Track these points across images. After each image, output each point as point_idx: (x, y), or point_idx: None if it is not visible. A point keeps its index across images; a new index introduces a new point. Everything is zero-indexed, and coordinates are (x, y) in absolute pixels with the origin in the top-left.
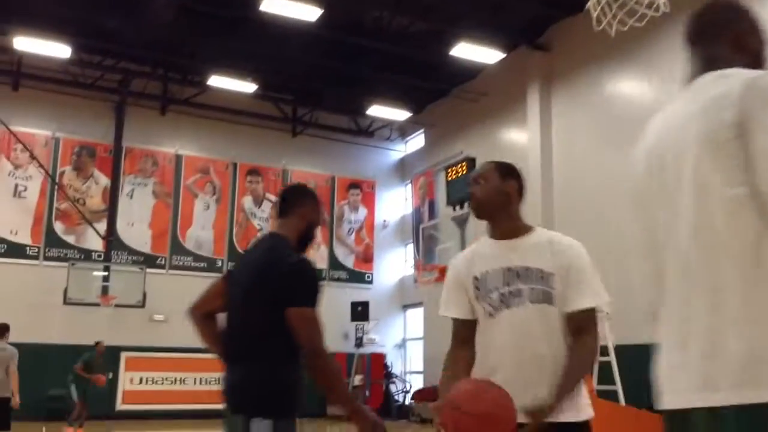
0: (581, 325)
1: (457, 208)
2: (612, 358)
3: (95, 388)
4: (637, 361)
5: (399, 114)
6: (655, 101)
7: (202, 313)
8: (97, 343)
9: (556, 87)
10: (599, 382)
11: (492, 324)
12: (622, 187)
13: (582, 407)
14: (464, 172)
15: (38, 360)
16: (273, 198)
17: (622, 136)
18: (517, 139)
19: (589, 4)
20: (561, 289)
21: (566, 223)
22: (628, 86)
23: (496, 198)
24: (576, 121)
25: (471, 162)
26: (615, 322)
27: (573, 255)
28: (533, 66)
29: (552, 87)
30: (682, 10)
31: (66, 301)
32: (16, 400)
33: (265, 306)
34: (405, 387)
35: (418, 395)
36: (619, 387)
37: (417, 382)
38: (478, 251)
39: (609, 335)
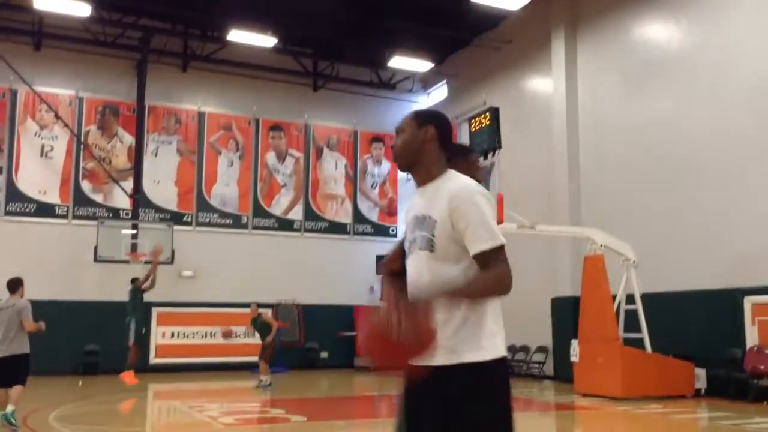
0: (483, 267)
1: (481, 159)
2: (638, 306)
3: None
4: (663, 309)
5: (421, 65)
6: (682, 44)
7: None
8: (134, 281)
9: (582, 32)
10: (626, 330)
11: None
12: (649, 133)
13: (485, 347)
14: (488, 122)
15: (72, 316)
16: (296, 153)
17: (649, 81)
18: (541, 88)
19: None
20: (443, 236)
21: (592, 171)
22: (655, 30)
23: (413, 147)
24: (602, 67)
25: (495, 112)
26: (641, 271)
27: (462, 200)
28: (558, 11)
29: (577, 33)
30: None
31: (97, 259)
32: (41, 327)
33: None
34: None
35: None
36: (645, 335)
37: None
38: (412, 199)
39: (636, 283)
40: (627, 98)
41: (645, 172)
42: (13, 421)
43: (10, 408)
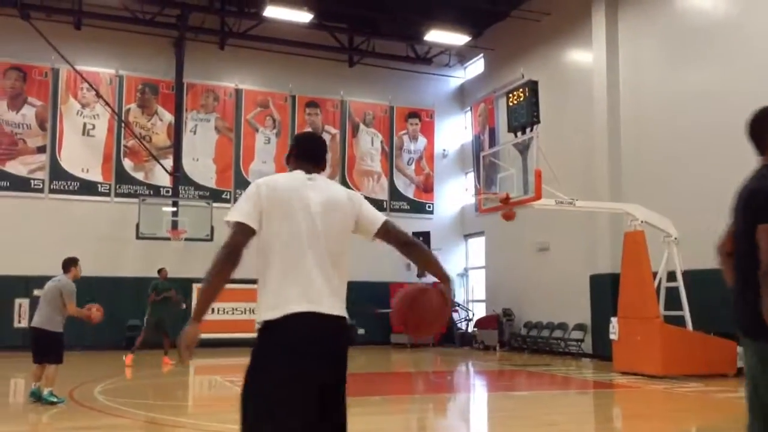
0: None
1: (519, 134)
2: (680, 283)
3: (173, 315)
4: (705, 286)
5: (458, 38)
6: (727, 14)
7: (726, 252)
8: (160, 270)
9: (623, 2)
10: (666, 308)
11: None
12: (692, 104)
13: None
14: (526, 96)
15: (115, 292)
16: (332, 130)
17: (693, 52)
18: (581, 60)
19: None
20: None
21: (633, 148)
22: None
23: None
24: (644, 38)
25: (533, 85)
26: (683, 247)
27: None
28: None
29: (619, 2)
30: None
31: (138, 236)
32: (88, 316)
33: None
34: (467, 315)
35: (481, 323)
36: (686, 312)
37: (479, 311)
38: None
39: (677, 260)
40: (670, 69)
41: (688, 145)
42: (55, 399)
43: (46, 390)
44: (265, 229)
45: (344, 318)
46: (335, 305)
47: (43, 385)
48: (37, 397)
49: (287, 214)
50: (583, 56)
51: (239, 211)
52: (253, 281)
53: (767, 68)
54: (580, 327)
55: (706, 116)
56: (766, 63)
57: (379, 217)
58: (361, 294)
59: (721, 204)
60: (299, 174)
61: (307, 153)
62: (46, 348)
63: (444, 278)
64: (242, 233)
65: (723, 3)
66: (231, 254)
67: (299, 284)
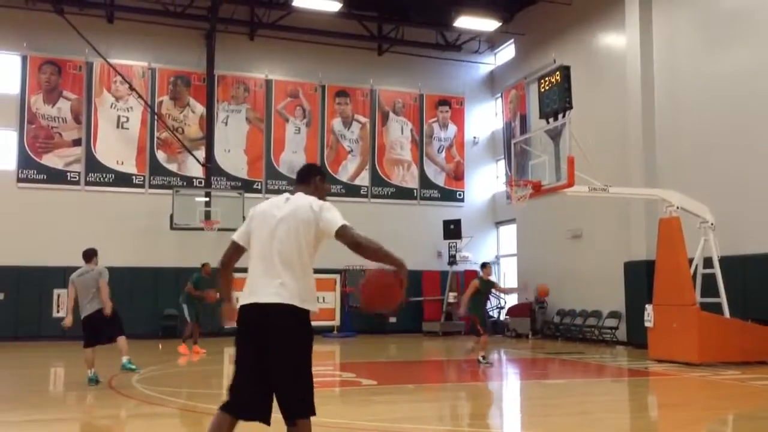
0: None
1: (551, 120)
2: (716, 269)
3: (206, 307)
4: (743, 272)
5: (488, 24)
6: None
7: None
8: (204, 265)
9: None
10: (703, 295)
11: None
12: (729, 88)
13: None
14: (558, 82)
15: (151, 282)
16: (362, 119)
17: (730, 36)
18: (614, 44)
19: None
20: None
21: (668, 133)
22: None
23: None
24: (679, 22)
25: (566, 70)
26: (719, 233)
27: None
28: None
29: None
30: None
31: (173, 227)
32: (106, 311)
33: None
34: (499, 303)
35: (513, 311)
36: (723, 299)
37: (511, 298)
38: None
39: (714, 246)
40: (705, 52)
41: (724, 130)
42: (134, 367)
43: (125, 358)
44: (250, 245)
45: (280, 303)
46: (276, 295)
47: (123, 355)
48: (95, 381)
49: (256, 233)
50: (616, 40)
51: (237, 232)
52: None
53: None
54: (614, 315)
55: (742, 100)
56: None
57: (335, 224)
58: None
59: (757, 189)
60: (279, 197)
61: (296, 179)
62: (108, 326)
63: (397, 265)
64: (233, 248)
65: None
66: (222, 263)
67: (250, 285)
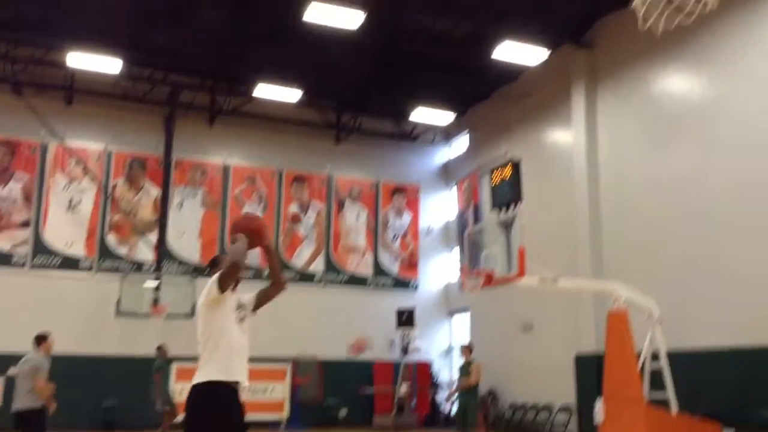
0: None
1: (503, 211)
2: (664, 363)
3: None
4: (691, 367)
5: (443, 117)
6: (703, 97)
7: None
8: (159, 348)
9: (602, 85)
10: (652, 388)
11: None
12: (672, 186)
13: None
14: (509, 174)
15: (93, 371)
16: (319, 205)
17: (670, 135)
18: (562, 140)
19: (635, 4)
20: None
21: (614, 227)
22: (675, 83)
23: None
24: (622, 120)
25: (516, 164)
26: (667, 327)
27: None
28: (577, 64)
29: (597, 85)
30: (731, 4)
31: (118, 313)
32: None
33: None
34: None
35: None
36: (671, 394)
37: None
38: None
39: (661, 340)
40: (648, 151)
41: (668, 225)
42: None
43: None
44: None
45: (196, 383)
46: (196, 377)
47: None
48: None
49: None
50: (564, 136)
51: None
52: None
53: (743, 151)
54: (565, 409)
55: (685, 197)
56: (743, 146)
57: (210, 285)
58: (344, 373)
59: (704, 283)
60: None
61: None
62: (37, 426)
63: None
64: None
65: (698, 87)
66: None
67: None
